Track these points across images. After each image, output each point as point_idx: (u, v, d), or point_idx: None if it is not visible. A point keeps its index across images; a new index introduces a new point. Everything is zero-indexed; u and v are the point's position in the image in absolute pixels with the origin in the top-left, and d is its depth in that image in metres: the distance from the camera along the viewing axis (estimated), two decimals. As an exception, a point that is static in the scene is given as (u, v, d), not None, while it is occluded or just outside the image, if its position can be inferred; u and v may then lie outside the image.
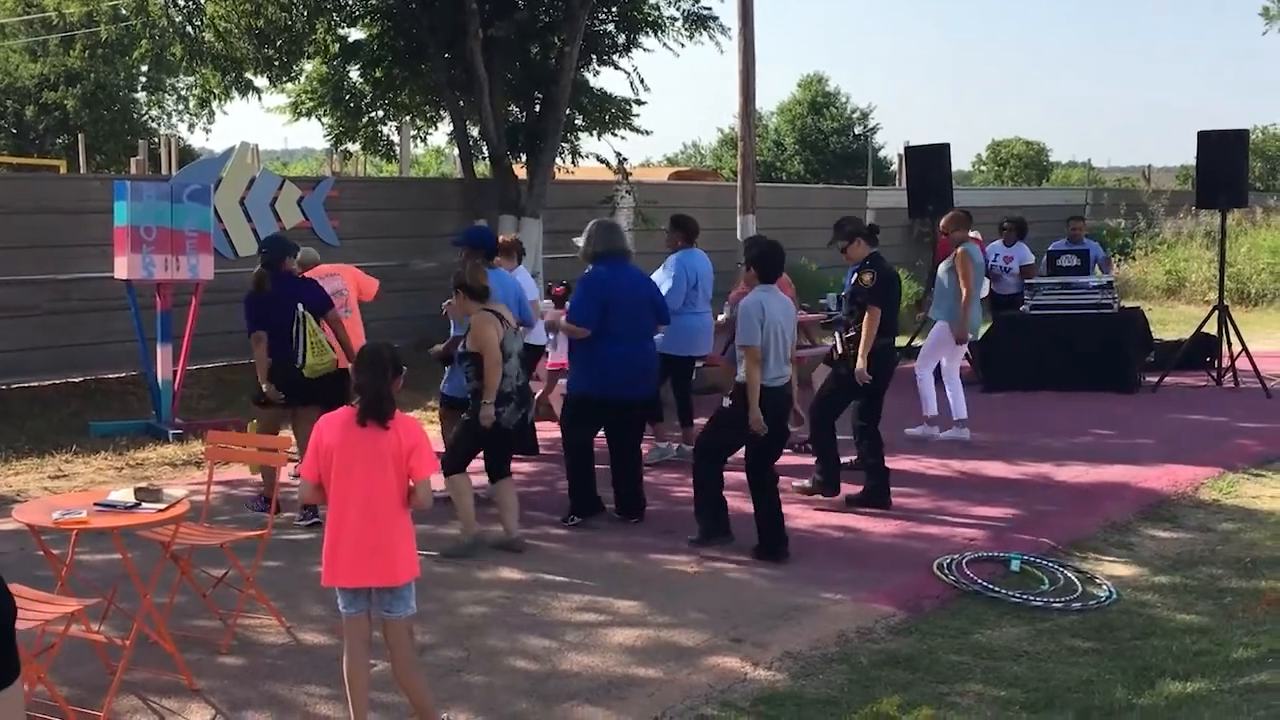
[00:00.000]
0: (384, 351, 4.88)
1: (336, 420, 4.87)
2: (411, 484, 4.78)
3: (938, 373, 11.24)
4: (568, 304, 8.64)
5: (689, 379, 10.44)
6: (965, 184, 40.72)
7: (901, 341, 11.93)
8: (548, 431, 11.01)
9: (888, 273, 8.64)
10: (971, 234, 14.14)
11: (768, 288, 7.49)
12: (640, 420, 8.55)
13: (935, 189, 14.57)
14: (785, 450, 7.86)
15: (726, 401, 7.52)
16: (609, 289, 8.23)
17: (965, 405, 11.00)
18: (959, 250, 10.94)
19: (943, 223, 11.29)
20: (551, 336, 10.21)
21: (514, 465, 8.11)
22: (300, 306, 8.27)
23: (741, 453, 7.62)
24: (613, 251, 8.40)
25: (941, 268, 11.19)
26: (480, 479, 7.96)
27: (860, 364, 8.52)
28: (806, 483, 8.73)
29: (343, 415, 4.87)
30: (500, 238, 9.47)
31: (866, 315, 8.53)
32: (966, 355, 13.92)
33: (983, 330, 14.17)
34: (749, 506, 7.70)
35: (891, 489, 8.84)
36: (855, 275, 8.73)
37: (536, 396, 10.05)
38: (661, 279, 9.62)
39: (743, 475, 7.65)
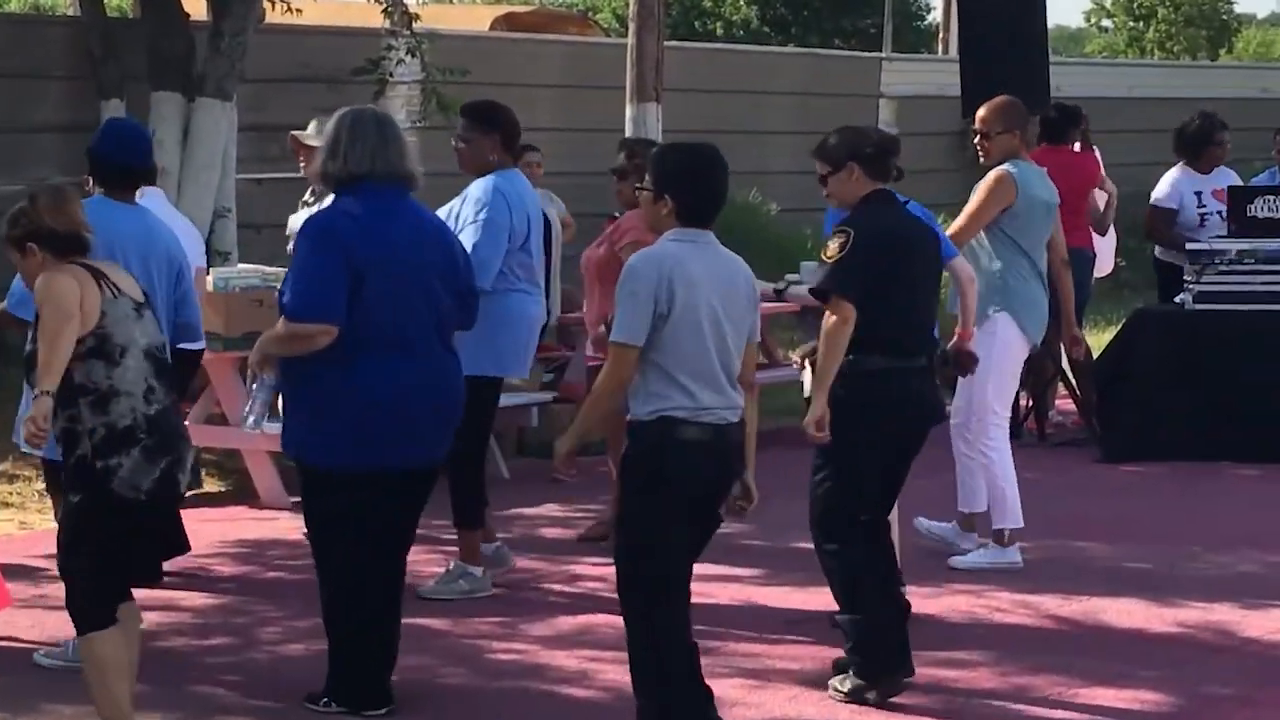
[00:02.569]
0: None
1: None
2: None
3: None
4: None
5: (488, 422, 8.28)
6: (1073, 52, 35.77)
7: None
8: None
9: (885, 235, 6.98)
10: (1096, 150, 11.34)
11: (694, 234, 6.02)
12: (417, 507, 6.75)
13: (1015, 62, 11.61)
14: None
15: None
16: (366, 248, 6.48)
17: (1017, 497, 8.82)
18: (991, 174, 8.58)
19: (980, 116, 8.89)
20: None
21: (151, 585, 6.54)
22: None
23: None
24: (380, 174, 6.55)
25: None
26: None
27: (816, 408, 6.84)
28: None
29: None
30: None
31: (825, 316, 7.08)
32: (1071, 392, 11.57)
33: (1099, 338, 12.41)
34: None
35: (921, 650, 7.03)
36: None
37: None
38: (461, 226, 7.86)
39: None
